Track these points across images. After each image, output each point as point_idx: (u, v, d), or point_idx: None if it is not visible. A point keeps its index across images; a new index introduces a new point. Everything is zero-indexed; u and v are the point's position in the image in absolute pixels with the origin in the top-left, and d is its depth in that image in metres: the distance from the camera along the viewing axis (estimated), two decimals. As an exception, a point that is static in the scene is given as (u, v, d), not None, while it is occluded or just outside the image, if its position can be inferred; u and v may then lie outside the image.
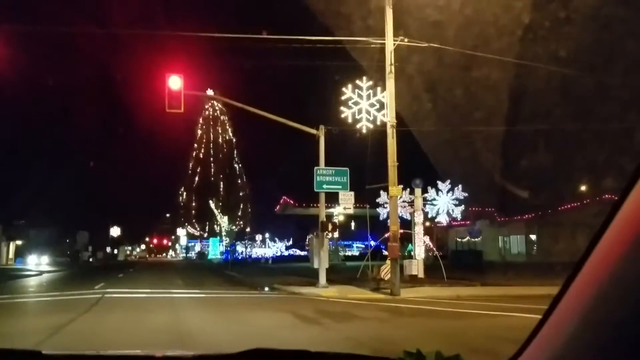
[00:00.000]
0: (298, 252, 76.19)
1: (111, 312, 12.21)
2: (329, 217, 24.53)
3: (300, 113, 29.58)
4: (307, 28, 17.77)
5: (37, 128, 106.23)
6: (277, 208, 67.96)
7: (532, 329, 1.31)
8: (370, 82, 18.47)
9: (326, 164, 19.43)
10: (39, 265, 53.04)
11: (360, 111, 18.51)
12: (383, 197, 27.62)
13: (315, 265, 19.25)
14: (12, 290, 20.14)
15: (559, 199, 39.12)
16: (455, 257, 39.16)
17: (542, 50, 18.35)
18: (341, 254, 55.15)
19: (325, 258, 19.25)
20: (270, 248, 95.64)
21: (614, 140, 25.33)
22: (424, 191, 26.76)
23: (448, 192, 29.77)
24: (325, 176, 19.24)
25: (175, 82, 16.82)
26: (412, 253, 23.62)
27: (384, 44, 15.77)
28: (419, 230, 23.53)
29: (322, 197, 19.62)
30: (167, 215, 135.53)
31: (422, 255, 22.99)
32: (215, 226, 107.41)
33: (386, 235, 19.16)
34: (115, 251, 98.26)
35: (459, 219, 33.02)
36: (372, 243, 29.75)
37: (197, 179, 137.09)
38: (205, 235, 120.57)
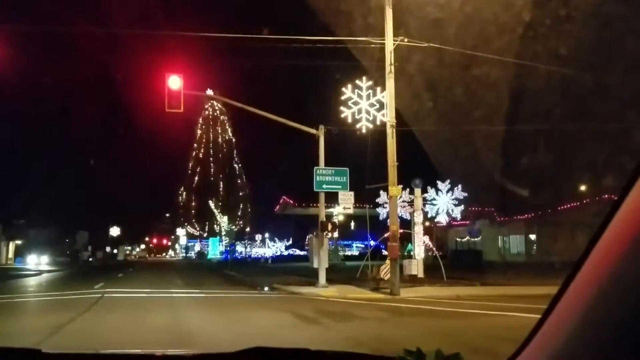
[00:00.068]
0: (298, 252, 76.15)
1: (111, 312, 12.21)
2: (329, 217, 24.53)
3: (300, 113, 29.59)
4: (307, 27, 17.78)
5: (37, 128, 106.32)
6: (277, 208, 67.99)
7: (532, 328, 1.31)
8: (370, 82, 18.48)
9: (326, 164, 19.43)
10: (38, 265, 53.03)
11: (360, 111, 18.51)
12: (383, 197, 27.60)
13: (315, 265, 19.25)
14: (12, 290, 20.14)
15: (559, 198, 39.12)
16: (455, 257, 39.18)
17: (543, 49, 18.36)
18: (341, 253, 55.17)
19: (325, 258, 19.25)
20: (270, 248, 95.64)
21: (613, 139, 25.33)
22: (424, 191, 26.76)
23: (448, 192, 29.77)
24: (325, 176, 19.24)
25: (174, 82, 16.82)
26: (412, 253, 23.63)
27: (384, 43, 15.78)
28: (418, 230, 23.53)
29: (322, 197, 19.62)
30: (167, 215, 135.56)
31: (422, 255, 22.99)
32: (215, 226, 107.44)
33: (386, 235, 19.16)
34: (115, 251, 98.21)
35: (458, 219, 32.99)
36: (372, 243, 29.74)
37: (196, 178, 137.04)
38: (205, 235, 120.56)
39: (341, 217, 40.68)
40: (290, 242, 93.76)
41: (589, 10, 17.87)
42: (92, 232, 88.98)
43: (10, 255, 63.90)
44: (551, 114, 29.23)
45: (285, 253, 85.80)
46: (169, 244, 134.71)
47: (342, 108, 18.66)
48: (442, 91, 22.81)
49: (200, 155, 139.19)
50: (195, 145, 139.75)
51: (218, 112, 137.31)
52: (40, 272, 35.02)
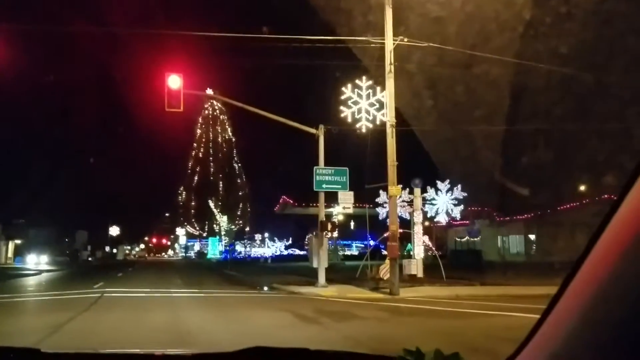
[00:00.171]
0: (297, 252, 76.19)
1: (110, 311, 12.21)
2: (329, 216, 24.53)
3: (299, 112, 29.63)
4: (307, 26, 17.79)
5: (37, 128, 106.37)
6: (277, 207, 67.90)
7: (531, 328, 1.31)
8: (370, 82, 18.46)
9: (326, 164, 19.43)
10: (38, 264, 53.02)
11: (359, 110, 18.50)
12: (382, 197, 27.58)
13: (315, 265, 19.25)
14: (12, 290, 20.14)
15: (559, 198, 39.11)
16: (455, 257, 39.20)
17: (543, 47, 18.35)
18: (340, 253, 55.15)
19: (325, 257, 19.25)
20: (270, 247, 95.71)
21: (613, 139, 25.32)
22: (423, 191, 26.75)
23: (447, 191, 29.76)
24: (324, 176, 19.23)
25: (174, 82, 16.81)
26: (412, 253, 23.61)
27: (384, 43, 15.77)
28: (418, 229, 23.53)
29: (322, 197, 19.61)
30: (167, 214, 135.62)
31: (422, 255, 22.99)
32: (215, 225, 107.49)
33: (385, 234, 19.16)
34: (115, 250, 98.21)
35: (458, 219, 32.98)
36: (372, 242, 29.76)
37: (196, 178, 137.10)
38: (205, 234, 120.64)
39: (341, 217, 40.66)
40: (290, 241, 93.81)
41: (590, 9, 17.87)
42: (91, 231, 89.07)
43: (10, 254, 63.89)
44: (551, 113, 29.23)
45: (285, 253, 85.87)
46: (169, 243, 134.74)
47: (342, 107, 18.66)
48: (442, 90, 22.82)
49: (200, 154, 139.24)
50: (195, 144, 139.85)
51: (218, 111, 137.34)
52: (39, 272, 35.01)
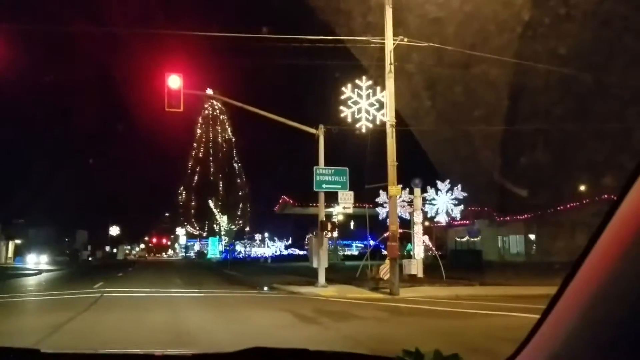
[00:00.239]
0: (297, 252, 76.16)
1: (110, 311, 12.21)
2: (329, 216, 24.53)
3: (299, 112, 29.63)
4: (307, 26, 17.78)
5: (37, 128, 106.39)
6: (277, 207, 67.87)
7: (531, 328, 1.31)
8: (370, 82, 18.45)
9: (326, 164, 19.42)
10: (38, 264, 53.02)
11: (359, 110, 18.49)
12: (382, 197, 27.58)
13: (315, 265, 19.25)
14: (11, 289, 20.14)
15: (558, 198, 39.12)
16: (454, 257, 39.14)
17: (542, 48, 18.35)
18: (340, 253, 55.10)
19: (325, 257, 19.25)
20: (270, 247, 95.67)
21: (613, 139, 25.32)
22: (423, 191, 26.75)
23: (447, 191, 29.76)
24: (324, 175, 19.23)
25: (174, 81, 16.81)
26: (411, 253, 23.62)
27: (384, 43, 15.77)
28: (418, 229, 23.53)
29: (322, 197, 19.61)
30: (167, 214, 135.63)
31: (421, 255, 22.99)
32: (215, 225, 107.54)
33: (385, 234, 19.16)
34: (115, 250, 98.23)
35: (458, 219, 32.99)
36: (372, 242, 29.75)
37: (196, 178, 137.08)
38: (205, 234, 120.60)
39: (341, 217, 40.66)
40: (290, 241, 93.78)
41: (589, 9, 17.87)
42: (91, 231, 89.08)
43: (10, 254, 63.89)
44: (550, 113, 29.24)
45: (285, 253, 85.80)
46: (169, 243, 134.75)
47: (341, 107, 18.65)
48: (441, 90, 22.81)
49: (200, 154, 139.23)
50: (194, 144, 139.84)
51: (218, 111, 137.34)
52: (39, 272, 35.01)
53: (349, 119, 18.58)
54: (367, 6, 16.75)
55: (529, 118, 29.06)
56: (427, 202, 29.24)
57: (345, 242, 70.58)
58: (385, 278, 17.85)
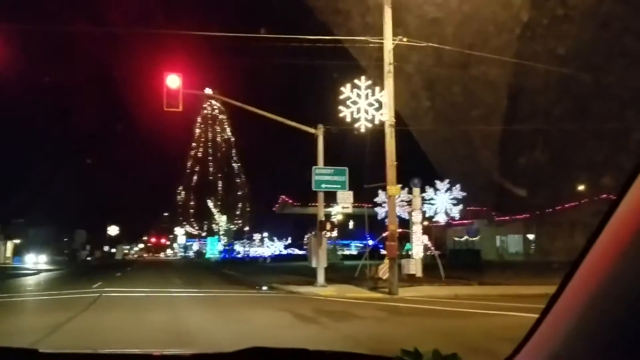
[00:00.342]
0: (296, 251, 76.18)
1: (109, 311, 12.20)
2: (328, 216, 24.53)
3: (299, 112, 29.59)
4: (306, 26, 17.77)
5: (36, 128, 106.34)
6: (276, 207, 67.97)
7: (530, 327, 1.31)
8: (369, 82, 18.44)
9: (325, 163, 19.42)
10: (37, 263, 53.00)
11: (358, 110, 18.48)
12: (381, 197, 27.64)
13: (314, 265, 19.25)
14: (10, 289, 20.13)
15: (557, 198, 39.15)
16: (453, 257, 39.12)
17: (541, 48, 18.36)
18: (339, 253, 55.17)
19: (324, 257, 19.25)
20: (269, 247, 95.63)
21: (612, 139, 25.35)
22: (423, 190, 26.80)
23: (446, 191, 29.84)
24: (323, 175, 19.23)
25: (173, 81, 16.80)
26: (410, 252, 23.61)
27: (383, 43, 15.77)
28: (417, 229, 23.54)
29: (321, 197, 19.61)
30: (166, 214, 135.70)
31: (420, 255, 23.00)
32: (214, 225, 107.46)
33: (384, 234, 19.15)
34: (113, 250, 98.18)
35: (457, 218, 33.06)
36: (371, 242, 29.75)
37: (195, 178, 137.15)
38: (204, 234, 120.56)
39: (340, 217, 40.70)
40: (289, 241, 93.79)
41: (587, 10, 17.89)
42: (90, 231, 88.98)
43: (9, 254, 63.81)
44: (549, 113, 29.26)
45: (284, 252, 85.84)
46: (168, 243, 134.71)
47: (340, 107, 18.64)
48: (440, 90, 22.81)
49: (199, 154, 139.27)
50: (194, 144, 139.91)
51: (217, 111, 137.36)
52: (38, 271, 35.01)
53: (348, 119, 18.56)
54: (366, 6, 16.75)
55: (528, 118, 29.08)
56: (426, 201, 29.30)
57: (344, 242, 70.62)
58: (384, 278, 17.85)
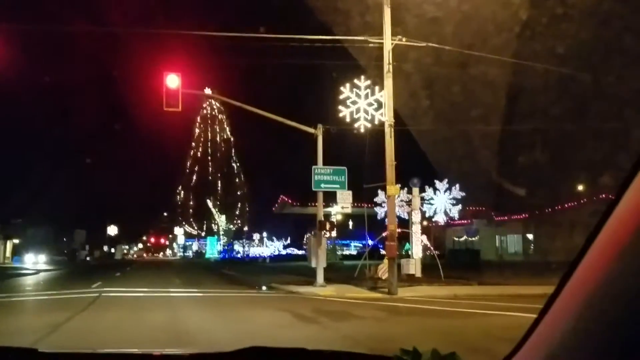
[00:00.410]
0: (296, 251, 76.21)
1: (108, 311, 12.19)
2: (327, 216, 24.54)
3: (298, 112, 29.61)
4: (305, 25, 17.77)
5: (36, 128, 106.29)
6: (275, 207, 67.87)
7: (528, 327, 1.31)
8: (368, 82, 18.45)
9: (324, 163, 19.41)
10: (36, 263, 52.96)
11: (358, 110, 18.49)
12: (381, 196, 27.63)
13: (313, 265, 19.25)
14: (9, 289, 20.11)
15: (556, 198, 39.19)
16: (453, 256, 39.20)
17: (540, 48, 18.39)
18: (339, 253, 55.14)
19: (323, 257, 19.25)
20: (268, 247, 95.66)
21: (611, 138, 25.37)
22: (422, 190, 26.79)
23: (445, 191, 29.82)
24: (323, 175, 19.22)
25: (172, 81, 16.79)
26: (410, 252, 23.63)
27: (382, 43, 15.77)
28: (416, 229, 23.56)
29: (320, 196, 19.60)
30: (165, 214, 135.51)
31: (420, 255, 23.01)
32: (213, 225, 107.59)
33: (384, 234, 19.16)
34: (113, 250, 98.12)
35: (456, 218, 33.03)
36: (370, 242, 29.77)
37: (194, 177, 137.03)
38: (203, 234, 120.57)
39: (339, 217, 40.71)
40: (289, 241, 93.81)
41: (586, 9, 17.90)
42: (89, 231, 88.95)
43: (8, 254, 63.77)
44: (548, 113, 29.28)
45: (284, 252, 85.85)
46: (167, 243, 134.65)
47: (340, 107, 18.65)
48: (440, 90, 22.84)
49: (199, 154, 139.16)
50: (193, 144, 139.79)
51: (216, 111, 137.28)
52: (37, 271, 34.98)
53: (348, 119, 18.58)
54: (365, 6, 16.76)
55: (527, 118, 29.10)
56: (426, 201, 29.29)
57: (343, 242, 70.61)
58: (383, 278, 17.86)
